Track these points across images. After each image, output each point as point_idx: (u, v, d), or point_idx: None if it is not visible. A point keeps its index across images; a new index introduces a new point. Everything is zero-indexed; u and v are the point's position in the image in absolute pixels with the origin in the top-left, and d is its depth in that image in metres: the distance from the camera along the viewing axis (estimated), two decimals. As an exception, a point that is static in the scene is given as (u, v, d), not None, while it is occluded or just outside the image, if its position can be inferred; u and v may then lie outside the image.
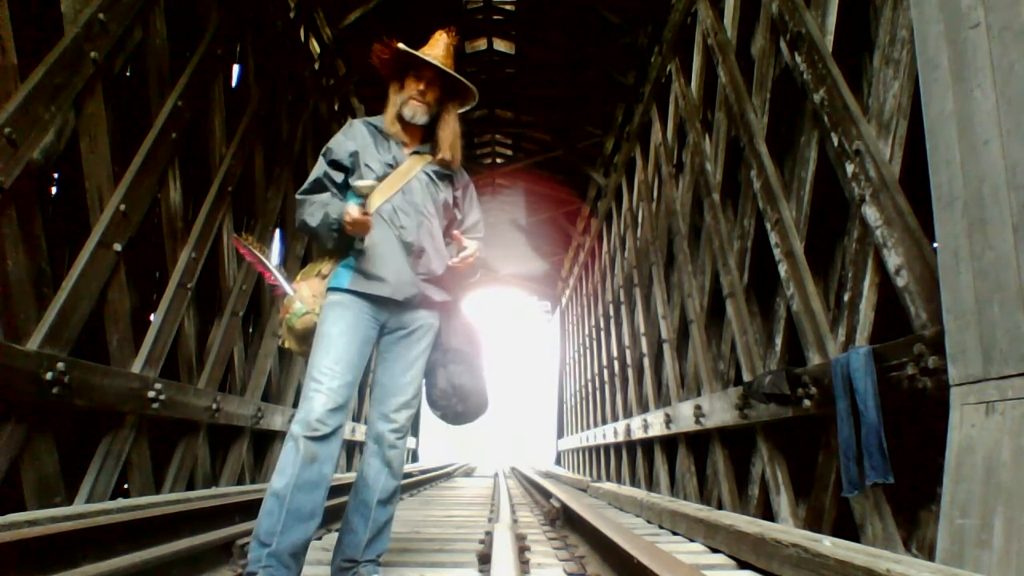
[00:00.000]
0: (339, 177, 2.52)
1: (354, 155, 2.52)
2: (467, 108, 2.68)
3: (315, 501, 2.23)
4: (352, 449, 11.89)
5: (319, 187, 2.51)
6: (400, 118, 2.56)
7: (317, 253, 2.64)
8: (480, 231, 2.77)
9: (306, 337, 2.50)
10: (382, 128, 2.60)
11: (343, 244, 2.43)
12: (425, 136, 2.63)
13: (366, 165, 2.51)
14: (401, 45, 2.49)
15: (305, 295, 2.49)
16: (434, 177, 2.60)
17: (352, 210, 2.28)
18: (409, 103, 2.53)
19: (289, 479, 2.19)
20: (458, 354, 2.59)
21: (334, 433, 2.27)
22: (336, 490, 2.79)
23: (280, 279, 2.60)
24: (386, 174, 2.52)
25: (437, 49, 2.54)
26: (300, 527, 2.19)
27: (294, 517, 2.18)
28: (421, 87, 2.52)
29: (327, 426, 2.25)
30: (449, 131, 2.60)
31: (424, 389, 2.62)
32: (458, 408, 2.59)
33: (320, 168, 2.54)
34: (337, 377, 2.30)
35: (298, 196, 2.52)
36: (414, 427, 21.15)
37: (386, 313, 2.47)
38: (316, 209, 2.43)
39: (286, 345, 2.57)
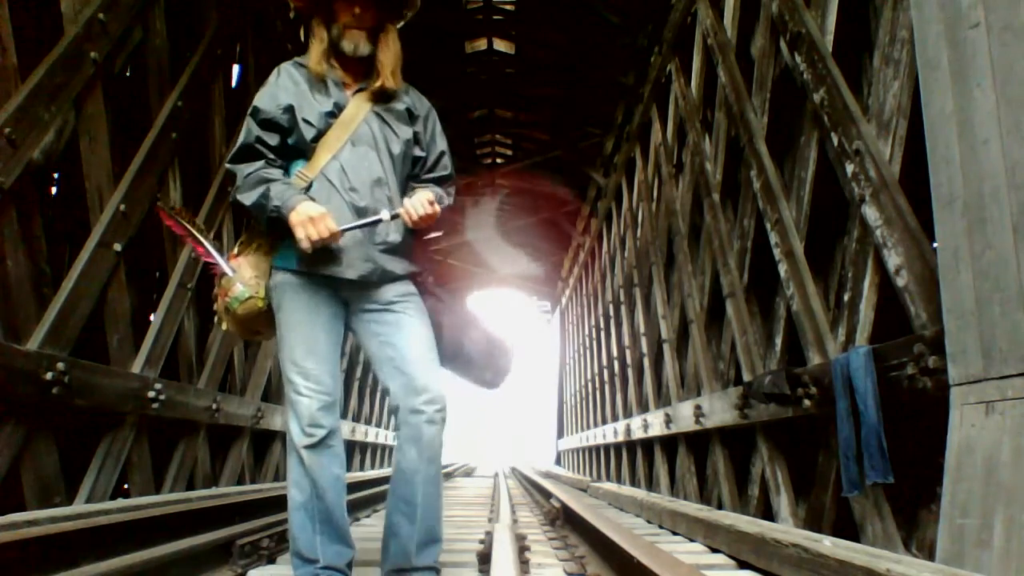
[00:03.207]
0: (273, 139, 2.18)
1: (288, 110, 2.16)
2: (407, 19, 2.31)
3: (340, 504, 2.18)
4: (351, 449, 11.88)
5: (250, 154, 2.18)
6: (339, 53, 2.20)
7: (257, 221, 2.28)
8: (447, 167, 2.39)
9: (249, 323, 2.23)
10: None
11: (281, 228, 2.10)
12: (368, 69, 2.25)
13: (304, 120, 2.15)
14: None
15: (246, 276, 2.19)
16: (387, 117, 2.24)
17: (325, 228, 1.99)
18: (348, 33, 2.16)
19: (308, 490, 2.12)
20: (465, 315, 2.43)
21: (332, 433, 2.16)
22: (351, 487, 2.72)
23: (216, 256, 2.27)
24: (328, 126, 2.17)
25: None
26: (337, 534, 2.15)
27: (328, 525, 2.13)
28: (356, 10, 2.15)
29: (322, 428, 2.12)
30: (391, 54, 2.23)
31: (458, 360, 2.37)
32: (500, 362, 2.41)
33: (250, 133, 2.18)
34: (312, 372, 2.11)
35: (227, 166, 2.23)
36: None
37: (345, 291, 2.19)
38: (250, 184, 2.13)
39: (224, 327, 2.27)
